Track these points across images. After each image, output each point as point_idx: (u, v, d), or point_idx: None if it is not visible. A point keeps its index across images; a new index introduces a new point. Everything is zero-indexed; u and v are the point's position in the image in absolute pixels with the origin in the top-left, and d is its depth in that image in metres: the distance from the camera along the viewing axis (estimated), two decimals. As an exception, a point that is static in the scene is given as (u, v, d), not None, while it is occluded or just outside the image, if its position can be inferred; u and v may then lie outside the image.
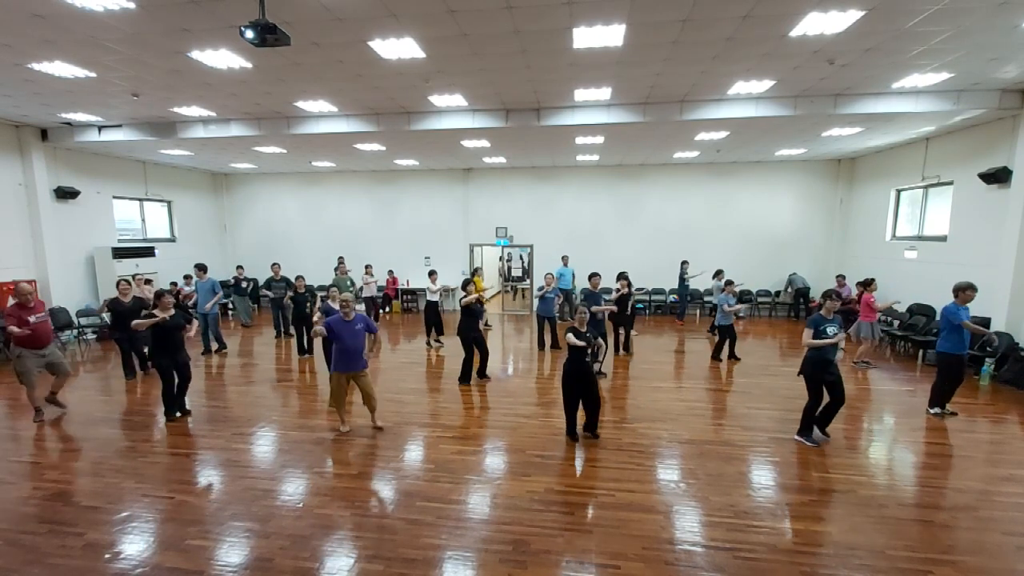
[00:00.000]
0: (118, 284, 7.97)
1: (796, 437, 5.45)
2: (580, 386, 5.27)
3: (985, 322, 7.95)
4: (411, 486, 4.48)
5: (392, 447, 5.28)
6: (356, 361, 5.46)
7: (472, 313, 7.47)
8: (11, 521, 3.95)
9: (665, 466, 4.88)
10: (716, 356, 8.90)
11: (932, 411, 6.25)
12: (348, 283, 10.00)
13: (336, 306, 7.27)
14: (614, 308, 8.43)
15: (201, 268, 9.84)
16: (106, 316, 8.73)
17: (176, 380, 6.06)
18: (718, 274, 10.99)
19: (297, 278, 9.27)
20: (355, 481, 4.58)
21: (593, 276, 8.33)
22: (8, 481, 4.59)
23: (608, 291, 8.72)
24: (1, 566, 3.41)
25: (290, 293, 10.10)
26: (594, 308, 7.58)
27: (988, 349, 7.08)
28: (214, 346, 9.65)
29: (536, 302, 9.65)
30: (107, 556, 3.51)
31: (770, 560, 3.44)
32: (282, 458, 5.07)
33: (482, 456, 5.09)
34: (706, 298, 11.12)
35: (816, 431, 5.48)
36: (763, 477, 4.69)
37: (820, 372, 5.23)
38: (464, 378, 7.44)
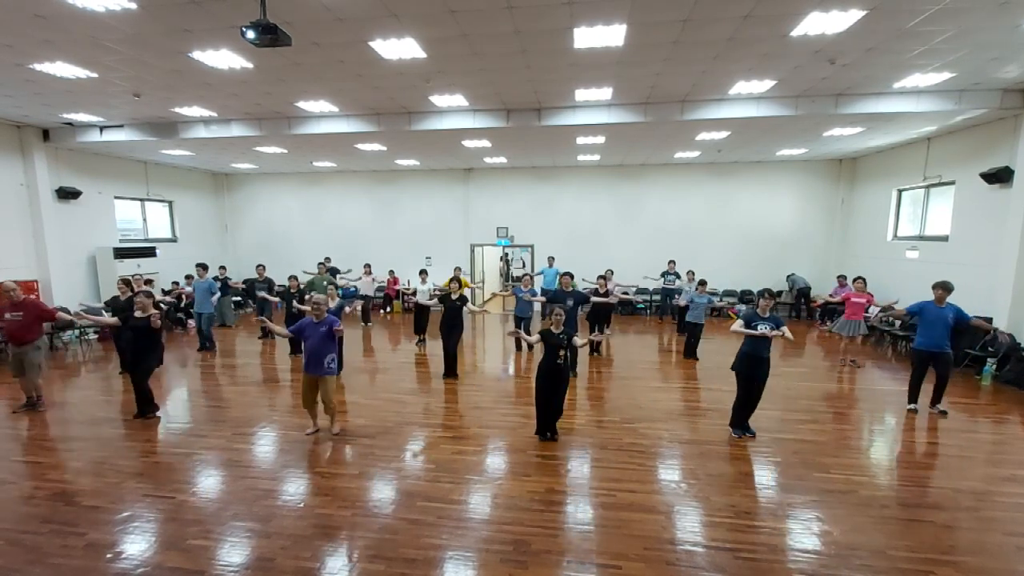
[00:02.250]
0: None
1: (729, 427, 5.65)
2: (549, 386, 5.25)
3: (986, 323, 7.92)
4: (412, 486, 4.48)
5: (392, 447, 5.29)
6: (318, 365, 5.31)
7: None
8: (13, 521, 3.95)
9: (666, 466, 4.88)
10: (691, 354, 8.93)
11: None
12: (325, 283, 9.72)
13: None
14: (543, 299, 8.52)
15: (202, 267, 9.99)
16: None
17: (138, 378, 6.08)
18: (690, 274, 11.02)
19: (290, 278, 9.25)
20: (355, 481, 4.58)
21: (564, 275, 8.07)
22: (9, 481, 4.60)
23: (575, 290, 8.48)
24: (3, 566, 3.42)
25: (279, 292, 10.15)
26: (533, 298, 7.89)
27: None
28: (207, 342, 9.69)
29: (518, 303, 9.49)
30: (108, 556, 3.51)
31: (771, 560, 3.44)
32: (283, 458, 5.07)
33: (482, 456, 5.09)
34: (681, 302, 10.85)
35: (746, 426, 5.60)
36: (764, 477, 4.69)
37: (748, 369, 5.40)
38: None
